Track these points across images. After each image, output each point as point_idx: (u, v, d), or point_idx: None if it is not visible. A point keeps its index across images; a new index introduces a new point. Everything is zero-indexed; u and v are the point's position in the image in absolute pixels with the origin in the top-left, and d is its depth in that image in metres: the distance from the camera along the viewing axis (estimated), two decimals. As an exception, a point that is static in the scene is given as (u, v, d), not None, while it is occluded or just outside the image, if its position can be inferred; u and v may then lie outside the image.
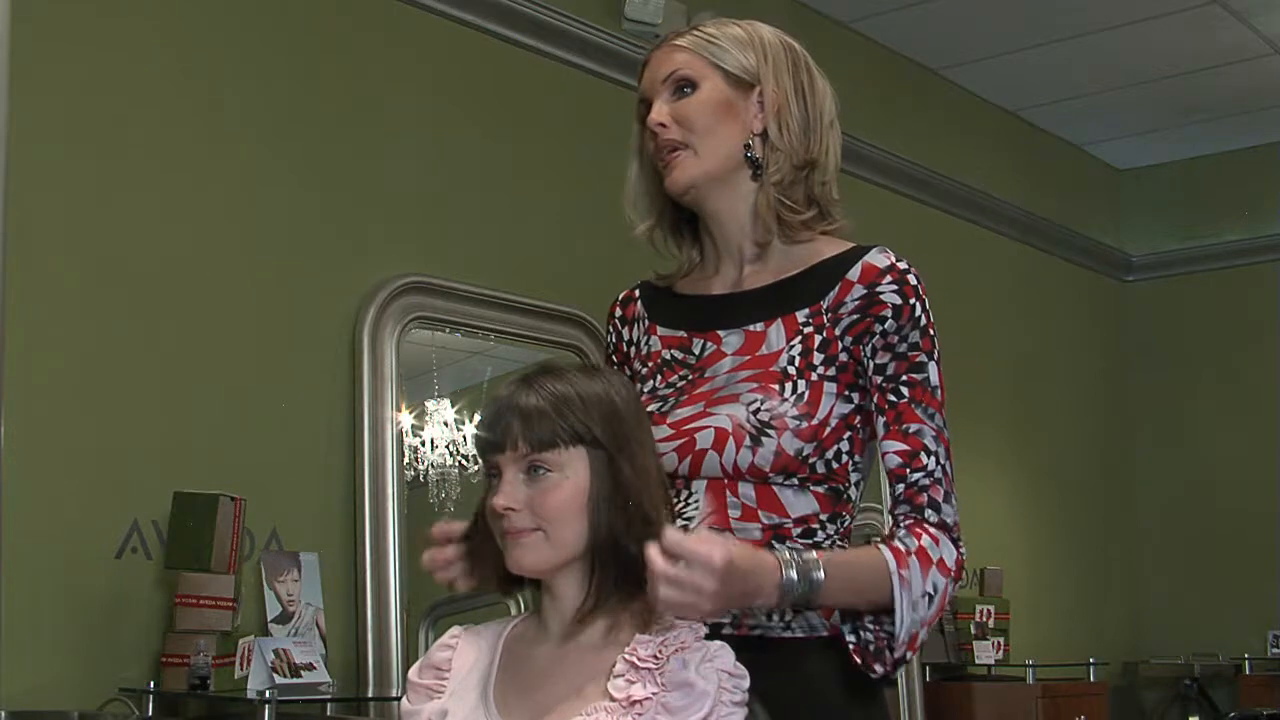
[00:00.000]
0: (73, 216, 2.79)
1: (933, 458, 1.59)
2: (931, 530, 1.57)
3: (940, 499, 1.59)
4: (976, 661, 4.79)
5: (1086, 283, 6.13)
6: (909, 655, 1.57)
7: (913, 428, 1.59)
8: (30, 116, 2.58)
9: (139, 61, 2.93)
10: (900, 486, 1.59)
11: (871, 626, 1.57)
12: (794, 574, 1.46)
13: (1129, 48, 5.05)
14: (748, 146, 1.66)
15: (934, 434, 1.59)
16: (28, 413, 2.57)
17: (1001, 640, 4.85)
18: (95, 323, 2.80)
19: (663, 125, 1.65)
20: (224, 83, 3.09)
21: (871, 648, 1.57)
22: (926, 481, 1.58)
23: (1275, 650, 5.73)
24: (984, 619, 4.81)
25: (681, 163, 1.66)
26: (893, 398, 1.60)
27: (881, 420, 1.60)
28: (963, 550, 1.60)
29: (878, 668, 1.57)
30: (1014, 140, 5.72)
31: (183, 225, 2.97)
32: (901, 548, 1.55)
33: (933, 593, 1.55)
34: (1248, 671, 5.69)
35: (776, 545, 1.54)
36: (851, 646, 1.57)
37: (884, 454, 1.61)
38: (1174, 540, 6.08)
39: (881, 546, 1.56)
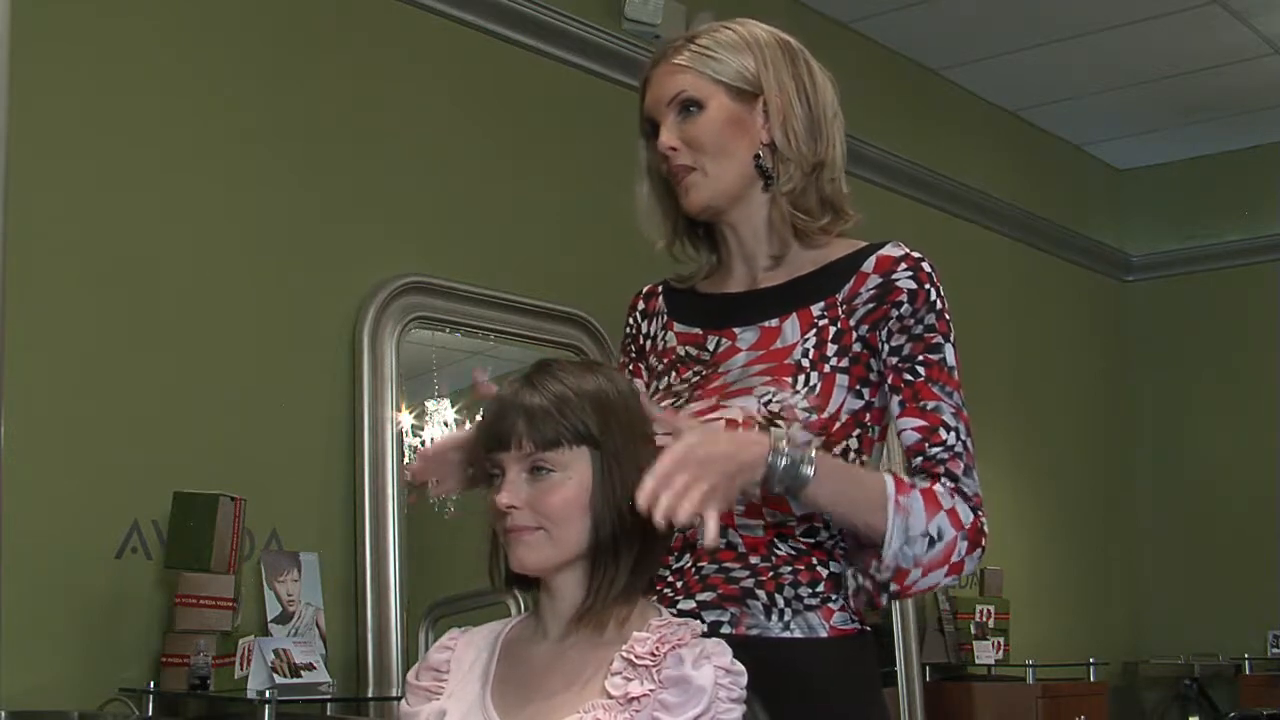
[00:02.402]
0: (73, 216, 2.79)
1: (952, 433, 1.58)
2: (946, 485, 1.56)
3: (959, 472, 1.57)
4: (976, 661, 4.79)
5: (1086, 283, 6.13)
6: (895, 590, 1.54)
7: (930, 404, 1.58)
8: (30, 116, 2.58)
9: (139, 61, 2.93)
10: (918, 460, 1.57)
11: (869, 573, 1.56)
12: (781, 461, 1.45)
13: (1129, 48, 5.05)
14: (758, 158, 1.67)
15: (953, 410, 1.59)
16: (28, 413, 2.57)
17: (1001, 640, 4.85)
18: (95, 323, 2.80)
19: (673, 149, 1.66)
20: (224, 83, 3.09)
21: (864, 592, 1.57)
22: (945, 455, 1.57)
23: (1275, 650, 5.73)
24: (984, 619, 4.82)
25: (696, 184, 1.66)
26: (909, 376, 1.59)
27: (897, 399, 1.59)
28: (983, 519, 1.57)
29: (876, 603, 1.57)
30: (1014, 140, 5.72)
31: (183, 225, 2.97)
32: (907, 480, 1.55)
33: (935, 537, 1.52)
34: (1248, 671, 5.69)
35: (774, 429, 1.50)
36: (852, 590, 1.58)
37: (900, 432, 1.59)
38: (1174, 540, 6.08)
39: (886, 473, 1.55)
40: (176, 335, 2.92)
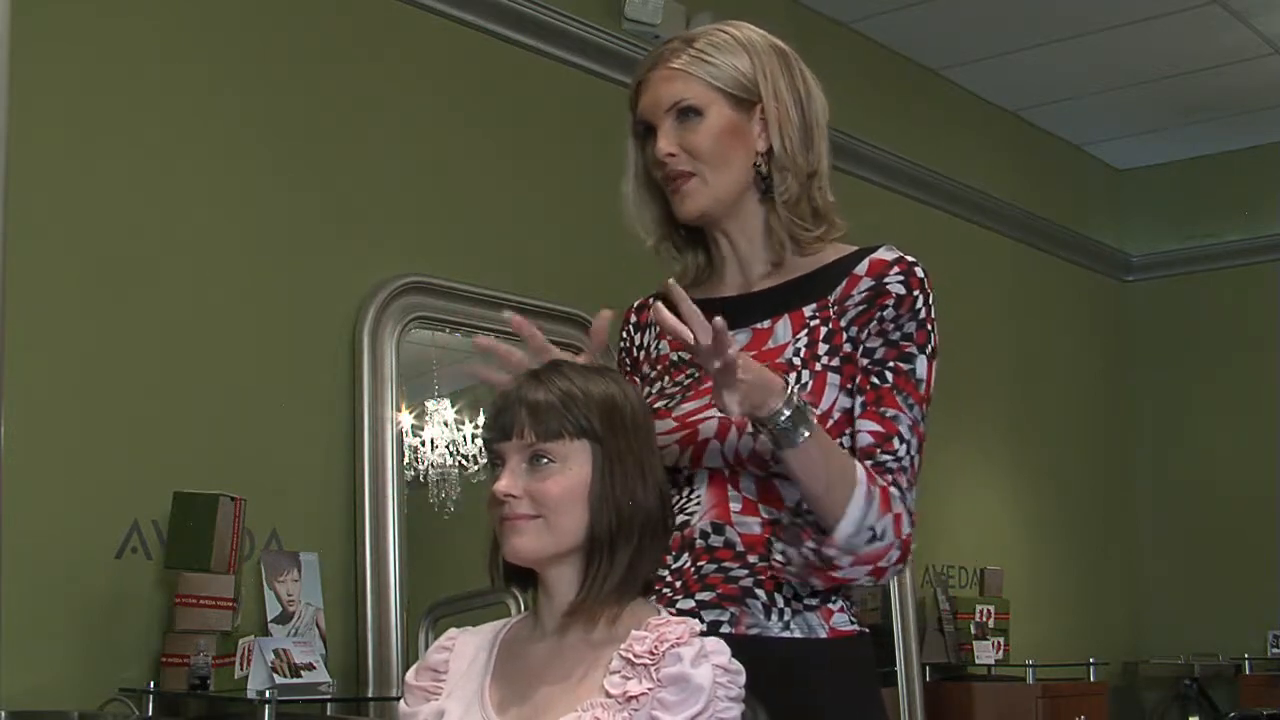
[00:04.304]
0: (73, 216, 2.79)
1: (905, 445, 1.58)
2: (896, 492, 1.56)
3: (904, 486, 1.57)
4: (976, 661, 4.80)
5: (1086, 283, 6.13)
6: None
7: (890, 412, 1.59)
8: (30, 116, 2.58)
9: (139, 61, 2.93)
10: (867, 463, 1.56)
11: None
12: (787, 410, 1.47)
13: (1129, 48, 5.06)
14: (757, 166, 1.67)
15: (910, 424, 1.59)
16: (28, 413, 2.57)
17: (1001, 640, 4.85)
18: (95, 323, 2.80)
19: (672, 155, 1.66)
20: (224, 83, 3.09)
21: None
22: (894, 465, 1.57)
23: (1275, 650, 5.73)
24: (984, 619, 4.82)
25: (692, 191, 1.66)
26: (875, 380, 1.60)
27: (860, 400, 1.60)
28: (913, 539, 1.57)
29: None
30: (1014, 140, 5.72)
31: (183, 225, 2.97)
32: (875, 474, 1.55)
33: (878, 535, 1.53)
34: (1248, 671, 5.70)
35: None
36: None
37: (856, 432, 1.59)
38: (1174, 541, 6.08)
39: (857, 462, 1.55)
40: (176, 335, 2.92)
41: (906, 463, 1.58)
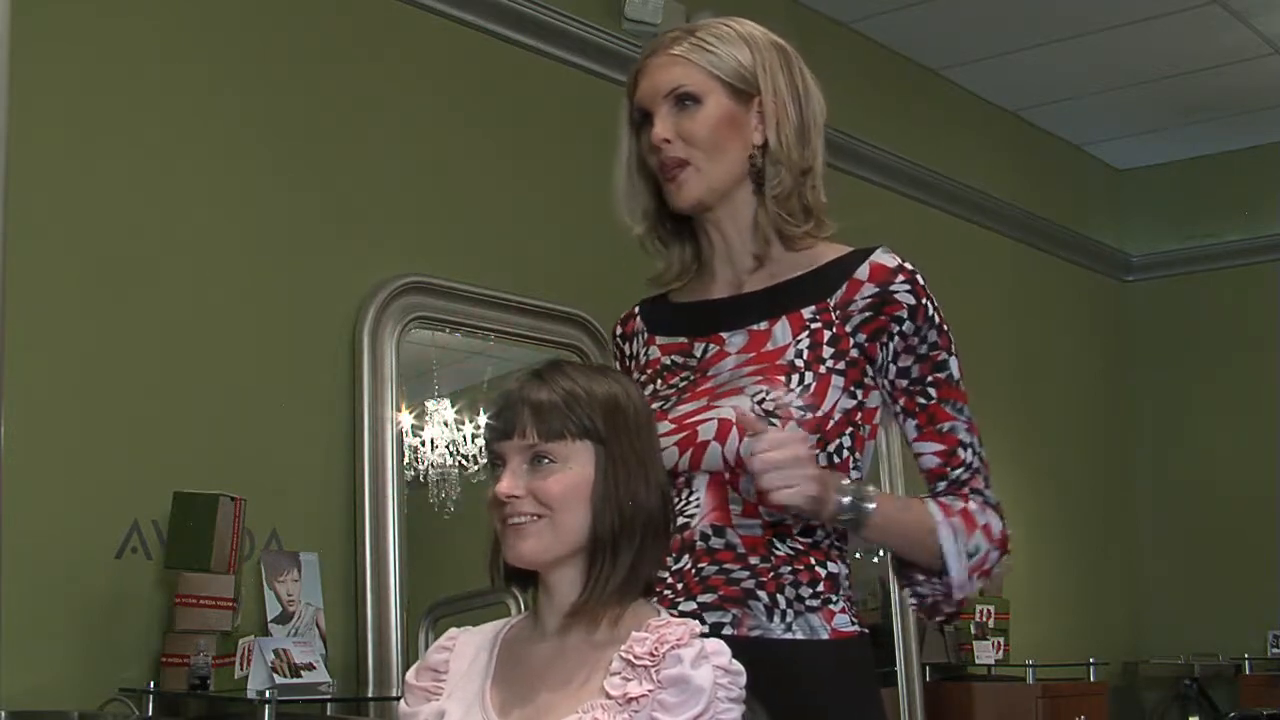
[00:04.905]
0: (73, 216, 2.79)
1: (968, 450, 1.65)
2: (977, 501, 1.64)
3: (982, 486, 1.65)
4: (976, 661, 4.79)
5: (1086, 283, 6.13)
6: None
7: (945, 426, 1.64)
8: (30, 116, 2.58)
9: (139, 61, 2.93)
10: (941, 484, 1.64)
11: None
12: (845, 499, 1.53)
13: (1129, 48, 5.05)
14: (752, 158, 1.67)
15: (966, 426, 1.65)
16: (28, 413, 2.57)
17: (1001, 640, 4.85)
18: (95, 323, 2.80)
19: (668, 141, 1.66)
20: (224, 83, 3.09)
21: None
22: (967, 475, 1.65)
23: (1275, 650, 5.73)
24: (984, 619, 4.81)
25: (687, 180, 1.66)
26: (922, 400, 1.63)
27: (913, 423, 1.64)
28: (1006, 524, 1.65)
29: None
30: (1014, 140, 5.72)
31: (183, 225, 2.97)
32: (948, 503, 1.62)
33: (974, 552, 1.61)
34: (1248, 671, 5.69)
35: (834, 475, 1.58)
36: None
37: (919, 455, 1.65)
38: (1174, 540, 6.08)
39: (928, 500, 1.62)
40: (176, 335, 2.92)
41: (976, 464, 1.66)
